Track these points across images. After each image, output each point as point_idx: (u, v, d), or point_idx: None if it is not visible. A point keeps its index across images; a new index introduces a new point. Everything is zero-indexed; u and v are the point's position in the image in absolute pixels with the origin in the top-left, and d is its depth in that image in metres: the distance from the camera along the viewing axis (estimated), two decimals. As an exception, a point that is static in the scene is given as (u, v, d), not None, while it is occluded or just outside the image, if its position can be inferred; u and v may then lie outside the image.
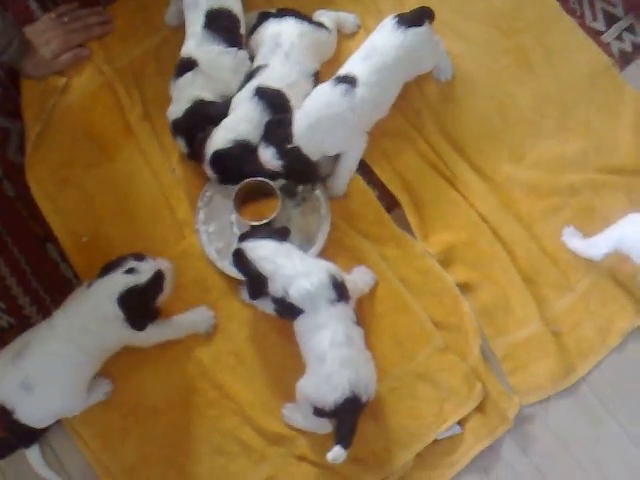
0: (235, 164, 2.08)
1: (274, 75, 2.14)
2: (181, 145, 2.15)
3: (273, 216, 2.05)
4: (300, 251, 1.99)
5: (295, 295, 1.90)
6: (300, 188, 2.16)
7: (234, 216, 2.13)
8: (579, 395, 2.09)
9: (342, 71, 2.12)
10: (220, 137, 2.09)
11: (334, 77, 2.11)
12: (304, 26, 2.20)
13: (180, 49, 2.20)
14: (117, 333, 1.94)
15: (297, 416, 2.00)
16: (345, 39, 2.33)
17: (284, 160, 2.04)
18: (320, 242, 2.13)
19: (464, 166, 2.23)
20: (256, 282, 1.95)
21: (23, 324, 2.12)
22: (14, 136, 2.27)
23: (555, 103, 2.29)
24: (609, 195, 2.21)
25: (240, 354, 2.08)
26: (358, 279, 2.07)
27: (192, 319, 2.07)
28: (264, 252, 1.94)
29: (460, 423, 2.04)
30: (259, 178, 2.07)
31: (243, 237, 2.00)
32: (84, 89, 2.29)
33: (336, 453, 1.82)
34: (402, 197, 2.20)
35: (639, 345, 2.12)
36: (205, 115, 2.13)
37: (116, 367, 2.04)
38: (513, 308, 2.13)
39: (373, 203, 2.20)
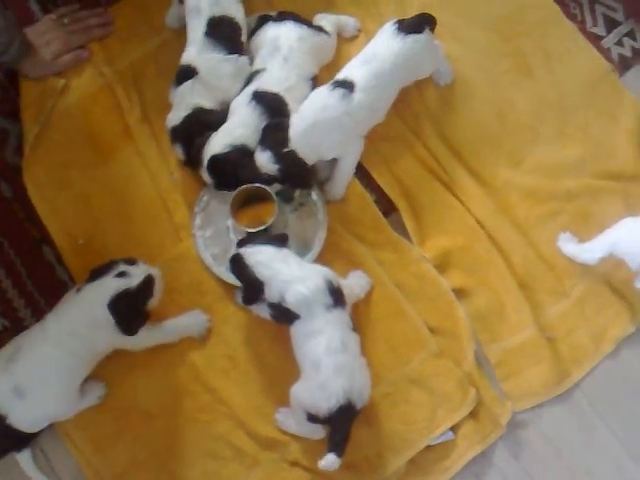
0: (232, 169, 2.08)
1: (272, 79, 2.13)
2: (179, 152, 2.16)
3: (270, 222, 2.05)
4: (297, 257, 1.99)
5: (291, 300, 1.90)
6: (297, 193, 2.16)
7: (230, 222, 2.13)
8: (572, 401, 2.09)
9: (340, 75, 2.12)
10: (217, 142, 2.09)
11: (332, 81, 2.11)
12: (303, 30, 2.19)
13: (181, 52, 2.19)
14: (108, 337, 1.93)
15: (290, 421, 2.01)
16: (345, 43, 2.33)
17: (280, 164, 2.04)
18: (317, 247, 2.13)
19: (462, 171, 2.23)
20: (252, 288, 1.95)
21: (17, 327, 2.12)
22: (12, 137, 2.27)
23: (554, 108, 2.28)
24: (606, 201, 2.21)
25: (234, 358, 2.09)
26: (354, 284, 2.07)
27: (186, 322, 2.07)
28: (262, 258, 1.94)
29: (453, 429, 2.05)
30: (256, 184, 2.07)
31: (242, 243, 2.00)
32: (83, 91, 2.29)
33: (328, 461, 1.83)
34: (399, 202, 2.20)
35: (633, 352, 2.12)
36: (203, 122, 2.13)
37: (109, 370, 2.04)
38: (508, 314, 2.13)
39: (370, 207, 2.20)
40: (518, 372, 2.10)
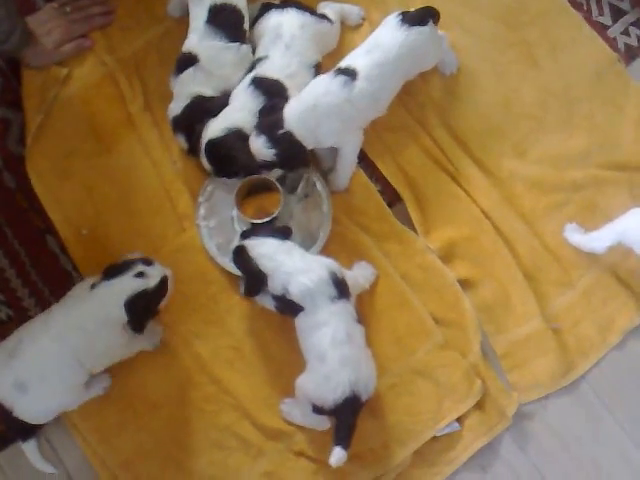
0: (228, 153, 2.07)
1: (274, 66, 2.13)
2: (181, 141, 2.15)
3: (275, 214, 2.04)
4: (301, 249, 1.98)
5: (295, 292, 1.90)
6: (302, 184, 2.15)
7: (235, 212, 2.12)
8: (579, 393, 2.09)
9: (343, 63, 2.10)
10: (214, 126, 2.09)
11: (334, 68, 2.10)
12: (306, 17, 2.18)
13: (183, 40, 2.18)
14: (110, 337, 1.92)
15: (296, 412, 2.01)
16: (349, 31, 2.32)
17: (276, 147, 2.02)
18: (322, 238, 2.12)
19: (467, 161, 2.22)
20: (255, 280, 1.95)
21: (22, 316, 2.12)
22: (15, 127, 2.26)
23: (559, 98, 2.27)
24: (612, 191, 2.21)
25: (239, 348, 2.08)
26: (359, 275, 2.07)
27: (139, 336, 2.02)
28: (266, 250, 1.94)
29: (459, 420, 2.05)
30: (261, 175, 2.07)
31: (245, 234, 1.99)
32: (85, 80, 2.28)
33: (337, 455, 1.83)
34: (404, 192, 2.19)
35: (639, 343, 2.12)
36: (204, 110, 2.12)
37: (115, 361, 2.04)
38: (514, 305, 2.13)
39: (375, 198, 2.19)
40: (524, 363, 2.09)
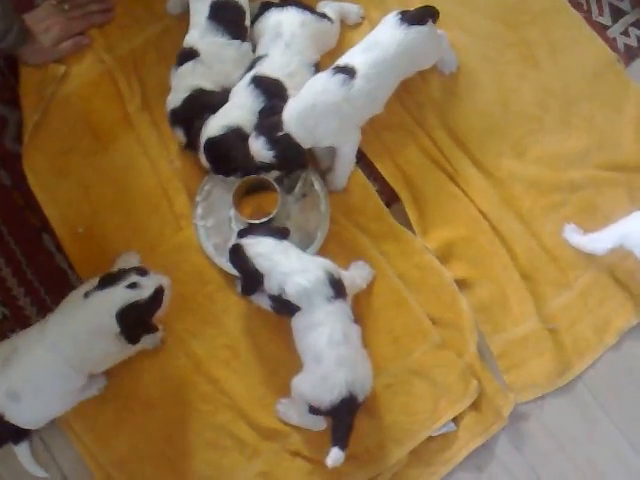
0: (227, 151, 2.07)
1: (273, 65, 2.12)
2: (179, 135, 2.14)
3: (273, 214, 2.04)
4: (297, 249, 1.98)
5: (291, 292, 1.90)
6: (299, 184, 2.15)
7: (232, 211, 2.11)
8: (575, 393, 2.09)
9: (341, 61, 2.10)
10: (214, 124, 2.08)
11: (333, 67, 2.09)
12: (306, 16, 2.18)
13: (182, 38, 2.17)
14: (104, 346, 1.89)
15: (292, 412, 2.00)
16: (348, 30, 2.31)
17: (275, 149, 2.02)
18: (319, 239, 2.12)
19: (466, 161, 2.22)
20: (251, 279, 1.95)
21: (17, 315, 2.12)
22: (12, 124, 2.25)
23: (559, 98, 2.27)
24: (610, 192, 2.20)
25: (235, 348, 2.08)
26: (356, 275, 2.06)
27: None
28: (262, 249, 1.93)
29: (455, 420, 2.04)
30: (259, 175, 2.06)
31: (242, 233, 1.99)
32: (83, 78, 2.27)
33: (335, 456, 1.83)
34: (402, 192, 2.19)
35: (636, 344, 2.12)
36: (204, 104, 2.11)
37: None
38: (511, 305, 2.13)
39: (373, 198, 2.19)
40: (520, 364, 2.09)
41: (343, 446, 1.84)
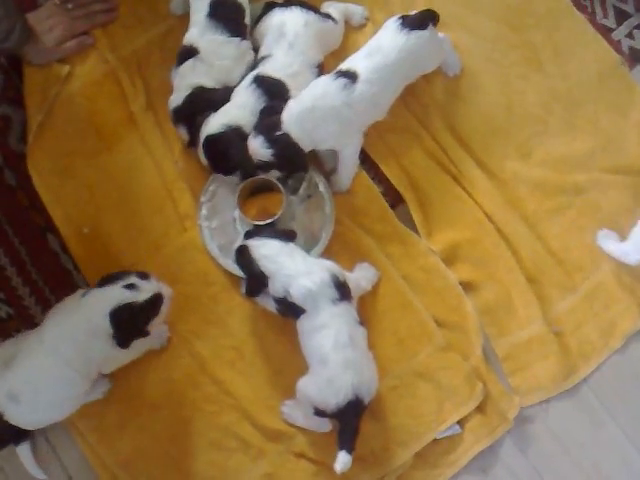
0: (226, 149, 2.07)
1: (276, 65, 2.12)
2: (182, 133, 2.14)
3: (278, 215, 2.03)
4: (303, 251, 1.98)
5: (296, 294, 1.89)
6: (304, 185, 2.14)
7: (237, 212, 2.10)
8: (580, 397, 2.09)
9: (344, 66, 2.10)
10: (214, 122, 2.08)
11: (335, 71, 2.09)
12: (310, 16, 2.18)
13: (185, 38, 2.18)
14: (103, 347, 1.87)
15: (297, 414, 2.00)
16: (352, 31, 2.31)
17: (273, 148, 2.01)
18: (324, 240, 2.11)
19: (470, 163, 2.21)
20: (255, 281, 1.94)
21: (22, 315, 2.12)
22: (16, 124, 2.25)
23: (563, 101, 2.27)
24: (615, 195, 2.20)
25: (240, 349, 2.08)
26: (360, 277, 2.06)
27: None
28: (268, 251, 1.93)
29: (460, 423, 2.04)
30: (263, 176, 2.06)
31: (249, 235, 1.99)
32: (87, 77, 2.26)
33: (343, 460, 1.83)
34: (407, 194, 2.19)
35: (641, 347, 2.12)
36: (206, 101, 2.12)
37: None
38: (516, 308, 2.12)
39: (377, 199, 2.19)
40: (526, 367, 2.09)
41: (350, 449, 1.84)
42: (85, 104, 2.24)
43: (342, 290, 1.92)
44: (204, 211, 2.15)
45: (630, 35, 2.35)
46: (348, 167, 2.15)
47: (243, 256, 1.95)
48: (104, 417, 2.03)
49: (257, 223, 2.03)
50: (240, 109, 2.09)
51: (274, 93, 2.10)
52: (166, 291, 1.92)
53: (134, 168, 2.20)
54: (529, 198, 2.20)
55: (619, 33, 2.35)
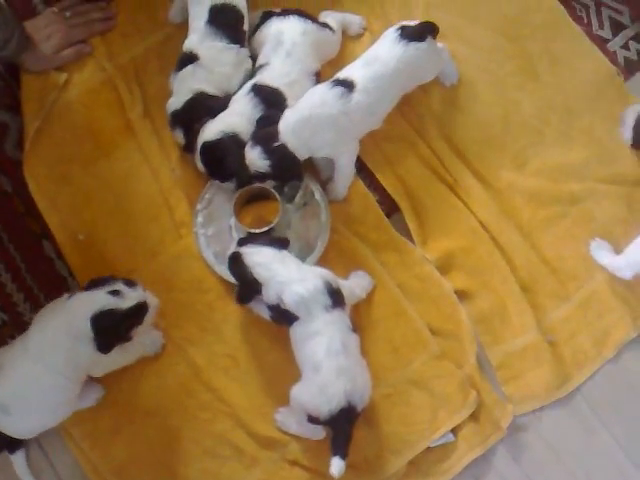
0: (222, 156, 2.08)
1: (274, 73, 2.13)
2: (179, 137, 2.15)
3: (274, 223, 2.04)
4: (296, 259, 1.98)
5: (289, 301, 1.89)
6: (300, 193, 2.15)
7: (233, 220, 2.10)
8: (573, 405, 2.09)
9: (341, 74, 2.10)
10: (211, 129, 2.09)
11: (332, 79, 2.10)
12: (307, 25, 2.18)
13: (184, 47, 2.18)
14: (87, 351, 1.86)
15: (290, 421, 2.00)
16: (350, 41, 2.32)
17: (270, 159, 2.02)
18: (319, 248, 2.11)
19: (466, 172, 2.22)
20: (247, 287, 1.95)
21: (16, 321, 2.12)
22: (13, 131, 2.25)
23: (559, 111, 2.28)
24: (610, 205, 2.21)
25: (235, 357, 2.07)
26: (355, 285, 2.06)
27: (141, 341, 2.01)
28: (261, 259, 1.93)
29: (453, 431, 2.04)
30: (259, 184, 2.07)
31: (242, 242, 1.99)
32: (85, 85, 2.27)
33: (338, 465, 1.83)
34: (402, 202, 2.19)
35: (634, 357, 2.12)
36: (205, 107, 2.12)
37: (109, 367, 2.03)
38: (510, 317, 2.12)
39: (373, 208, 2.19)
40: (519, 375, 2.09)
41: (344, 455, 1.83)
42: (82, 111, 2.25)
43: (335, 297, 1.92)
44: (200, 219, 2.15)
45: (626, 46, 2.36)
46: (344, 175, 2.16)
47: (236, 263, 1.95)
48: (97, 424, 2.03)
49: (253, 231, 2.04)
50: (237, 117, 2.10)
51: (271, 102, 2.10)
52: (152, 300, 1.92)
53: (131, 175, 2.21)
54: (524, 207, 2.20)
55: (615, 44, 2.36)
